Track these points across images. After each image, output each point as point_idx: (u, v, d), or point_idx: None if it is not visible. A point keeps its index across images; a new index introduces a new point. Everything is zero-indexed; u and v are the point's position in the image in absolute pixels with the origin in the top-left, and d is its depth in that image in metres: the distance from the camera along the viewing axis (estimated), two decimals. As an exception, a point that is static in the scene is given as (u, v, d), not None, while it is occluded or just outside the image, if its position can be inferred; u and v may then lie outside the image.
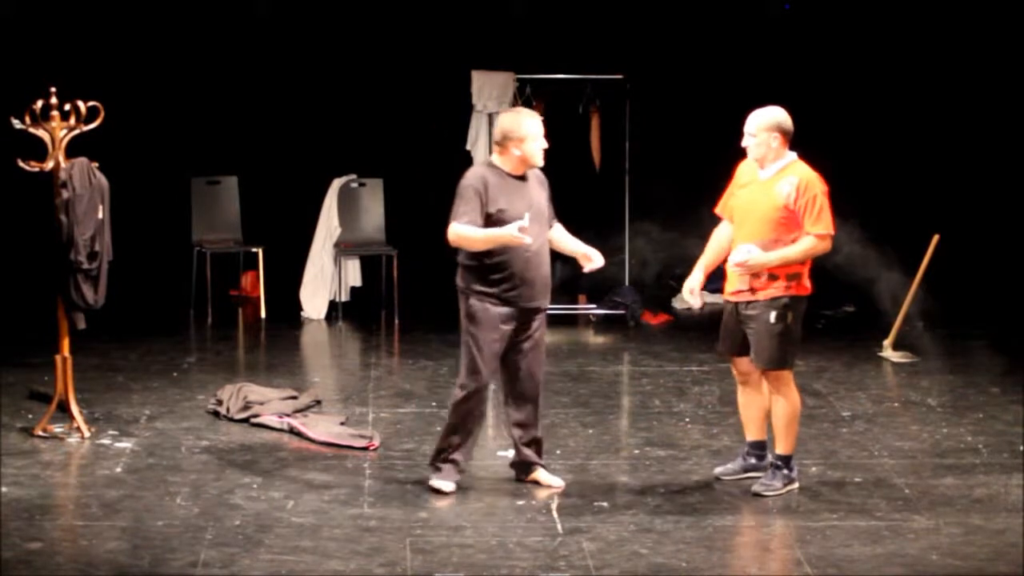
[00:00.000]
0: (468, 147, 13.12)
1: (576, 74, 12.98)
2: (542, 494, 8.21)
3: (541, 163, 8.10)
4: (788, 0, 13.92)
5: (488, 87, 12.88)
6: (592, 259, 8.22)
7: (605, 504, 8.09)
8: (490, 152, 12.88)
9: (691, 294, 8.41)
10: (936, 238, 11.57)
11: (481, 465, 8.82)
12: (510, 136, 8.02)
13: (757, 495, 8.20)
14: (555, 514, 7.92)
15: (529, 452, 8.34)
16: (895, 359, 11.47)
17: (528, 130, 7.99)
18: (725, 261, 8.34)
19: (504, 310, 8.05)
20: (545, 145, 8.08)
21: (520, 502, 8.12)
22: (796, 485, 8.31)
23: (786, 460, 8.28)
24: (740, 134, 8.24)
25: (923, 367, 11.30)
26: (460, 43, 13.37)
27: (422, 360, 11.45)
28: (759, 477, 8.37)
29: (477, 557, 7.31)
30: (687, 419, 9.82)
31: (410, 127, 13.54)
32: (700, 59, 13.64)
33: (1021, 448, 9.19)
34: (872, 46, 13.67)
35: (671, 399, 10.32)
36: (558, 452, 8.99)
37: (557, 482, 8.35)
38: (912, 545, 7.53)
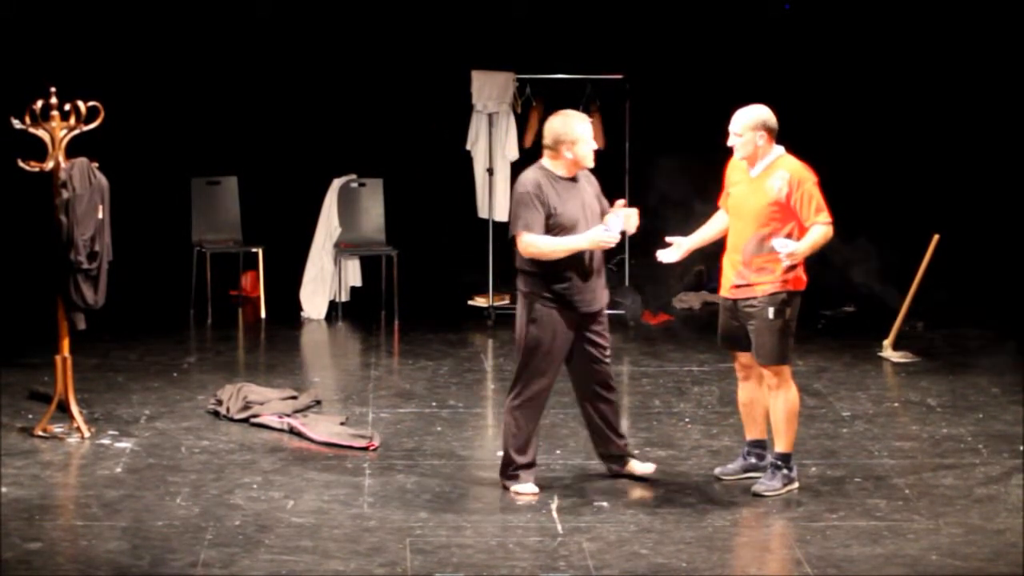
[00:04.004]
0: (468, 147, 13.12)
1: (576, 74, 12.99)
2: (543, 494, 8.20)
3: (592, 164, 8.20)
4: (788, 0, 13.92)
5: (488, 87, 12.88)
6: (627, 226, 8.22)
7: (605, 504, 8.09)
8: (490, 152, 12.97)
9: (670, 245, 8.43)
10: (936, 238, 11.58)
11: (481, 465, 8.83)
12: (562, 140, 8.10)
13: (757, 495, 8.21)
14: (555, 514, 7.92)
15: (619, 450, 8.45)
16: (895, 359, 11.47)
17: (579, 133, 8.10)
18: (721, 255, 8.38)
19: (568, 315, 8.12)
20: (595, 146, 8.19)
21: (520, 502, 8.11)
22: (796, 485, 8.31)
23: (786, 459, 8.28)
24: (727, 134, 8.27)
25: (923, 367, 11.30)
26: (460, 43, 13.37)
27: (422, 360, 11.44)
28: (760, 477, 8.38)
29: (477, 557, 7.31)
30: (687, 419, 9.82)
31: (410, 127, 13.54)
32: (700, 59, 13.63)
33: (1021, 448, 9.19)
34: (872, 46, 13.67)
35: (671, 399, 10.32)
36: (558, 452, 8.99)
37: (648, 468, 8.49)
38: (912, 545, 7.53)
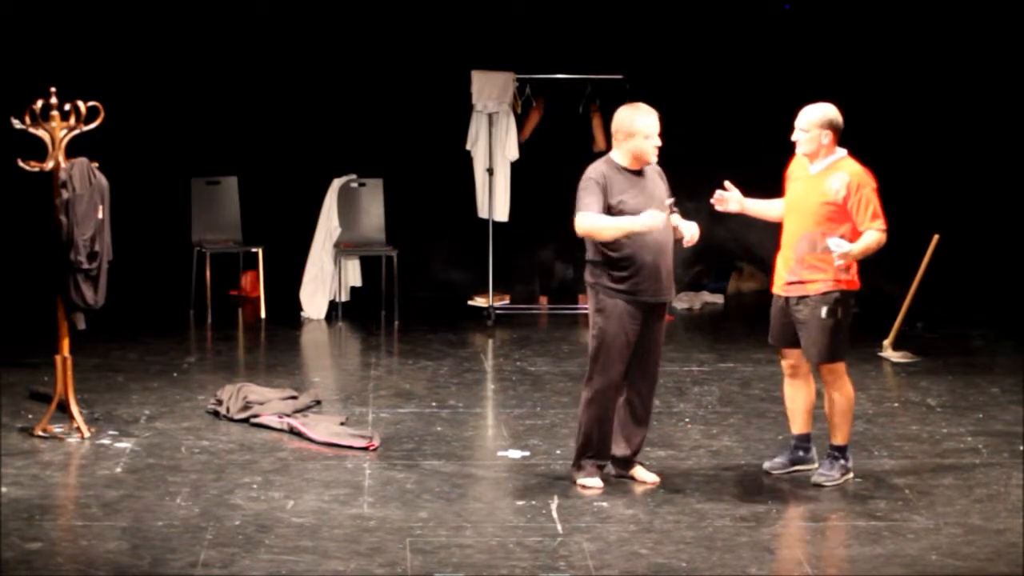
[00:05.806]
0: (468, 147, 13.12)
1: (576, 74, 12.98)
2: (543, 494, 8.21)
3: (653, 160, 8.21)
4: (788, 0, 13.92)
5: (488, 87, 12.87)
6: (685, 234, 8.27)
7: (605, 504, 8.09)
8: (490, 152, 12.97)
9: (725, 190, 8.45)
10: (936, 238, 11.58)
11: (481, 465, 8.83)
12: (619, 130, 8.17)
13: (817, 486, 8.33)
14: (555, 514, 7.92)
15: (632, 450, 8.44)
16: (895, 359, 11.48)
17: (639, 127, 8.12)
18: (778, 253, 8.41)
19: (633, 305, 8.13)
20: (658, 143, 8.17)
21: (520, 502, 8.11)
22: (852, 475, 8.45)
23: (842, 450, 8.43)
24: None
25: (923, 367, 11.30)
26: (460, 43, 13.37)
27: (422, 360, 11.44)
28: (805, 470, 8.50)
29: (477, 557, 7.31)
30: (687, 419, 9.82)
31: (410, 127, 13.54)
32: (700, 59, 13.64)
33: (1021, 448, 9.19)
34: (872, 46, 13.67)
35: (671, 399, 10.32)
36: (558, 452, 8.99)
37: (653, 478, 8.46)
38: (912, 545, 7.53)
